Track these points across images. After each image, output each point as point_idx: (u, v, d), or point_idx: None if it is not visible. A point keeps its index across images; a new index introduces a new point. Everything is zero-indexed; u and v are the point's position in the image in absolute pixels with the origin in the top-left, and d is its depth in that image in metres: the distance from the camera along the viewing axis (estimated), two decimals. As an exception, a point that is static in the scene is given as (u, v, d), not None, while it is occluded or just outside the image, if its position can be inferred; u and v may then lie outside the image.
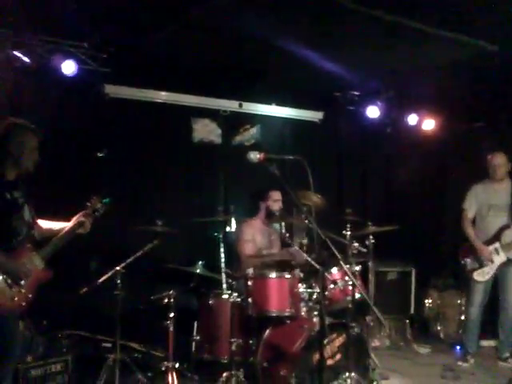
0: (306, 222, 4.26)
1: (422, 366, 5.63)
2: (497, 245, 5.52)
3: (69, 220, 3.81)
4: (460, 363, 5.55)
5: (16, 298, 3.31)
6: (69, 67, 5.23)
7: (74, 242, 3.81)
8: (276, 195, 5.31)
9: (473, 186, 5.75)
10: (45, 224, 3.75)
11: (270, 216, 5.33)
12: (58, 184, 5.36)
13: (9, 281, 3.29)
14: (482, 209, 5.64)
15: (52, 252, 3.59)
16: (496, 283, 5.63)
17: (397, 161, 7.59)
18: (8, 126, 3.53)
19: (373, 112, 7.03)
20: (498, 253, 5.52)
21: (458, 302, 6.67)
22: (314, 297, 4.58)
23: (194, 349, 4.67)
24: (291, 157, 3.39)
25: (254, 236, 5.32)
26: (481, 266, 5.55)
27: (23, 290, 3.35)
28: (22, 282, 3.36)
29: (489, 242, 5.55)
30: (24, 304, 3.37)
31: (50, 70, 5.22)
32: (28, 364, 4.36)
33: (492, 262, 5.51)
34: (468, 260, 5.63)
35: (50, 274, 3.56)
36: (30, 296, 3.40)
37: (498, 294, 5.66)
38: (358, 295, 4.36)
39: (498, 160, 5.58)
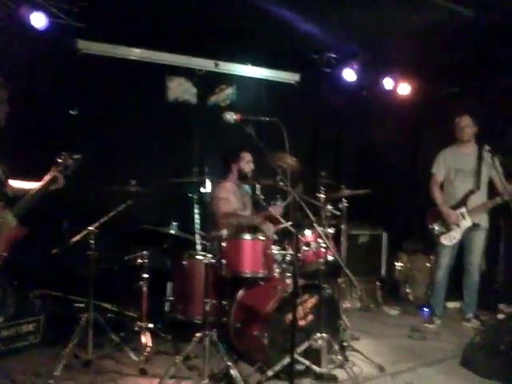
0: (281, 184, 4.26)
1: (391, 327, 5.76)
2: (463, 210, 5.62)
3: (40, 179, 3.74)
4: (427, 325, 5.70)
5: None
6: (38, 20, 5.07)
7: (47, 201, 3.76)
8: (248, 156, 5.30)
9: (441, 151, 5.84)
10: (16, 184, 3.69)
11: (242, 177, 5.32)
12: (30, 142, 5.26)
13: None
14: (450, 173, 5.73)
15: (25, 209, 3.54)
16: (461, 246, 5.75)
17: (371, 124, 7.60)
18: None
19: (349, 75, 6.99)
20: (464, 217, 5.62)
21: (427, 265, 6.83)
22: (288, 258, 4.61)
23: (167, 309, 4.70)
24: (267, 118, 3.36)
25: (228, 196, 5.31)
26: (448, 230, 5.66)
27: None
28: None
29: (455, 207, 5.65)
30: None
31: (19, 22, 5.05)
32: (0, 324, 4.35)
33: (458, 226, 5.63)
34: (435, 224, 5.73)
35: (24, 231, 3.52)
36: (5, 254, 3.36)
37: (463, 257, 5.78)
38: (330, 257, 4.40)
39: (465, 121, 5.66)
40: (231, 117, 3.23)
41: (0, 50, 5.07)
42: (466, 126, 5.65)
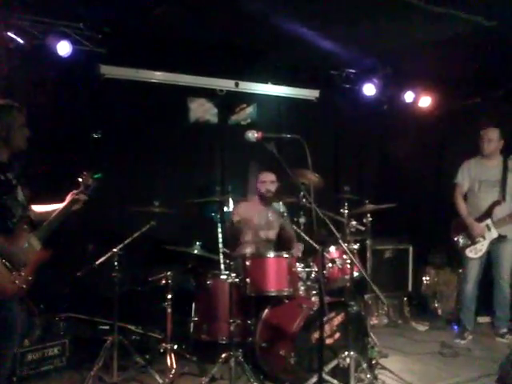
0: (304, 201, 4.25)
1: (419, 343, 5.63)
2: (488, 221, 5.52)
3: (63, 201, 3.78)
4: (457, 340, 5.57)
5: (17, 281, 3.29)
6: (64, 48, 5.16)
7: (71, 223, 3.80)
8: (263, 177, 5.30)
9: (465, 162, 5.75)
10: (38, 208, 3.73)
11: (261, 197, 5.31)
12: (54, 166, 5.32)
13: (8, 264, 3.26)
14: (474, 185, 5.64)
15: (48, 232, 3.57)
16: (490, 259, 5.64)
17: (393, 138, 7.54)
18: None
19: (369, 90, 6.97)
20: (489, 229, 5.52)
21: (456, 278, 6.69)
22: (312, 276, 4.59)
23: (192, 330, 4.69)
24: (289, 135, 3.35)
25: (247, 216, 5.29)
26: (473, 242, 5.56)
27: (23, 273, 3.33)
28: (22, 265, 3.34)
29: (480, 219, 5.55)
30: (25, 286, 3.35)
31: (45, 50, 5.15)
32: (25, 348, 4.39)
33: (484, 238, 5.53)
34: (460, 237, 5.65)
35: (48, 255, 3.54)
36: (30, 278, 3.38)
37: (492, 270, 5.67)
38: (356, 273, 4.35)
39: (489, 135, 5.57)
40: (253, 135, 3.23)
41: (27, 78, 5.18)
42: (491, 139, 5.56)
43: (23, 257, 3.33)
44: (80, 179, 3.84)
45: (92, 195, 3.86)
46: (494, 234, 5.52)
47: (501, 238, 5.52)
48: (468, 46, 5.83)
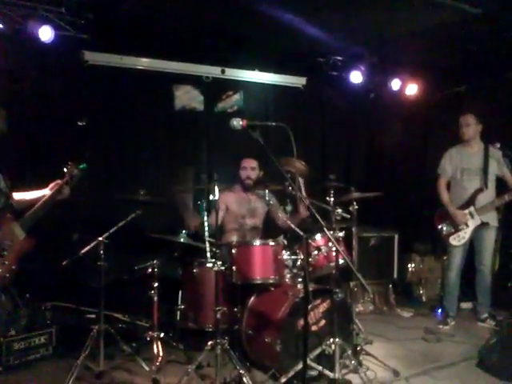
0: (290, 189, 4.25)
1: (404, 329, 5.69)
2: (471, 209, 5.58)
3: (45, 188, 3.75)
4: (441, 326, 5.64)
5: (0, 270, 3.27)
6: (45, 33, 5.07)
7: (56, 212, 3.77)
8: (244, 162, 5.30)
9: (447, 151, 5.80)
10: (19, 196, 3.69)
11: (243, 185, 5.31)
12: (38, 153, 5.28)
13: None
14: (456, 173, 5.69)
15: (32, 221, 3.55)
16: (472, 246, 5.71)
17: (380, 126, 7.56)
18: None
19: (356, 77, 6.97)
20: (472, 217, 5.58)
21: (440, 266, 6.77)
22: (298, 263, 4.59)
23: (178, 318, 4.70)
24: (274, 123, 3.34)
25: (231, 204, 5.31)
26: (456, 230, 5.62)
27: (6, 262, 3.31)
28: (5, 253, 3.31)
29: (463, 207, 5.61)
30: (8, 275, 3.34)
31: (26, 36, 5.05)
32: (11, 337, 4.37)
33: (467, 225, 5.58)
34: (444, 225, 5.70)
35: (32, 243, 3.54)
36: (14, 267, 3.36)
37: (474, 257, 5.73)
38: (341, 261, 4.37)
39: (467, 120, 5.61)
40: (238, 123, 3.21)
41: (8, 63, 5.11)
42: (468, 124, 5.60)
43: (6, 246, 3.31)
44: (65, 169, 3.81)
45: (76, 186, 3.83)
46: (477, 221, 5.57)
47: (483, 226, 5.57)
48: (454, 34, 5.84)
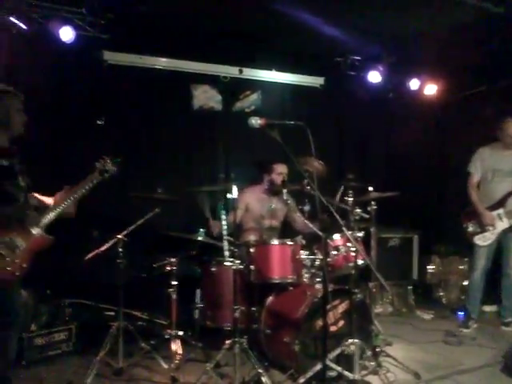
0: (308, 188, 4.22)
1: (424, 331, 5.63)
2: (500, 211, 5.48)
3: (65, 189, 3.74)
4: (462, 329, 5.55)
5: (9, 268, 3.27)
6: (66, 33, 5.15)
7: (76, 210, 3.77)
8: (280, 168, 5.26)
9: (479, 150, 5.66)
10: (38, 197, 3.69)
11: (272, 189, 5.29)
12: (57, 152, 5.32)
13: (2, 251, 3.26)
14: (488, 173, 5.57)
15: (51, 219, 3.53)
16: (499, 249, 5.61)
17: (398, 126, 7.50)
18: None
19: (374, 77, 6.93)
20: (501, 219, 5.48)
21: (461, 267, 6.69)
22: (317, 263, 4.57)
23: (197, 316, 4.70)
24: (292, 122, 3.32)
25: (251, 204, 5.31)
26: (482, 230, 5.52)
27: (17, 260, 3.30)
28: (17, 251, 3.31)
29: (492, 208, 5.51)
30: (18, 274, 3.32)
31: (48, 36, 5.13)
32: (32, 332, 4.44)
33: (494, 227, 5.48)
34: (470, 224, 5.59)
35: (50, 241, 3.50)
36: (25, 266, 3.34)
37: (501, 260, 5.63)
38: (360, 261, 4.33)
39: None
40: (256, 122, 3.21)
41: (29, 64, 5.16)
42: None
43: (18, 243, 3.31)
44: (98, 164, 3.79)
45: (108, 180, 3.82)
46: (505, 223, 5.47)
47: (511, 229, 5.48)
48: (475, 33, 5.78)
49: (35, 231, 3.43)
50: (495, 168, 5.53)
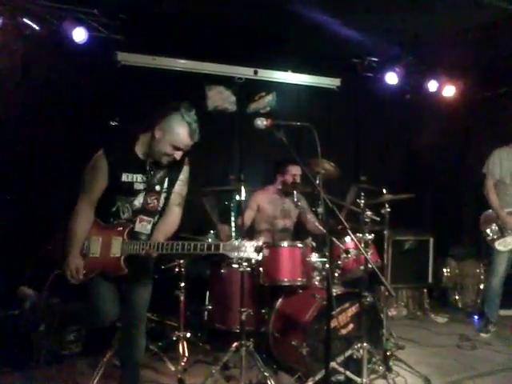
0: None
1: (438, 335, 5.55)
2: None
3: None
4: (482, 334, 5.42)
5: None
6: (79, 34, 5.14)
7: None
8: (294, 170, 5.22)
9: (496, 151, 5.51)
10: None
11: (284, 189, 5.26)
12: (71, 153, 5.35)
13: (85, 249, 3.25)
14: (506, 176, 5.41)
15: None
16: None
17: (416, 128, 7.41)
18: None
19: (391, 79, 6.83)
20: None
21: (477, 271, 6.58)
22: (327, 266, 4.52)
23: (206, 318, 4.69)
24: (299, 123, 3.27)
25: (263, 205, 5.29)
26: (503, 235, 5.36)
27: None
28: (90, 255, 3.23)
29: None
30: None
31: (61, 37, 5.14)
32: (41, 333, 4.45)
33: None
34: (490, 229, 5.43)
35: (123, 270, 3.21)
36: (81, 277, 3.23)
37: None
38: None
39: None
40: (262, 123, 3.17)
41: (43, 65, 5.21)
42: None
43: (90, 253, 3.23)
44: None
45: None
46: None
47: None
48: (493, 34, 5.67)
49: (115, 250, 3.22)
50: None
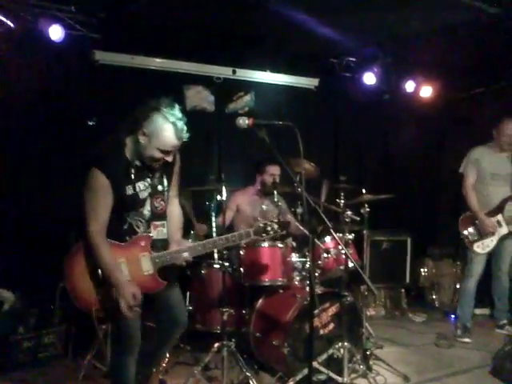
0: (299, 190, 4.19)
1: (416, 334, 5.61)
2: (499, 217, 5.32)
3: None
4: (466, 339, 5.31)
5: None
6: (56, 32, 5.02)
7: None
8: (273, 169, 5.21)
9: (473, 150, 5.44)
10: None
11: (263, 190, 5.25)
12: (47, 153, 5.27)
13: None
14: (485, 176, 5.36)
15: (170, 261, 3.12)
16: (490, 252, 5.43)
17: (394, 128, 7.47)
18: None
19: (369, 79, 6.87)
20: (500, 225, 5.31)
21: (454, 270, 6.67)
22: (308, 266, 4.53)
23: (186, 319, 4.65)
24: (281, 123, 3.27)
25: (242, 206, 5.27)
26: (482, 237, 5.30)
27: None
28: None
29: (491, 214, 5.32)
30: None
31: (37, 35, 5.03)
32: (20, 335, 4.39)
33: (493, 234, 5.29)
34: (468, 231, 5.35)
35: (161, 285, 3.10)
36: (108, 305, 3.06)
37: (493, 263, 5.53)
38: (351, 264, 4.30)
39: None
40: (244, 122, 3.15)
41: (18, 63, 5.10)
42: None
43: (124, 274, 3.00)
44: (259, 224, 3.39)
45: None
46: (504, 230, 5.32)
47: (509, 234, 5.35)
48: (470, 34, 5.72)
49: (146, 267, 3.05)
50: (493, 172, 5.35)
